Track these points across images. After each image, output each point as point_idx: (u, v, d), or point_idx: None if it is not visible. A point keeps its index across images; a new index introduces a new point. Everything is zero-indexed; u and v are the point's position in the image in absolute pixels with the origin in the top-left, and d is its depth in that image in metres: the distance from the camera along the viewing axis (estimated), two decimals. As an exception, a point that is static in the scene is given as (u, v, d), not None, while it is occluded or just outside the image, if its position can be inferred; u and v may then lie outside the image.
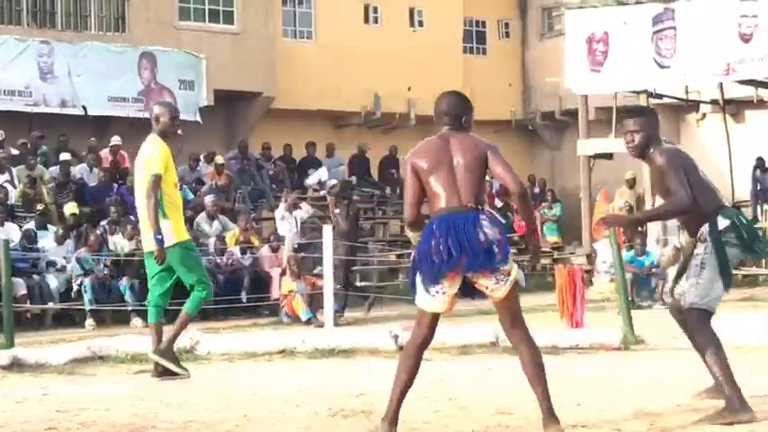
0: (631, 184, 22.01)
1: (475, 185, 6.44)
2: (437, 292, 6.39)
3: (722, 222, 7.18)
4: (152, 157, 9.60)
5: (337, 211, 17.37)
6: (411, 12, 28.66)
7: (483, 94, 28.94)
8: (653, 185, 7.56)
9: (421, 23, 28.77)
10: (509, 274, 6.36)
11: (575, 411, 7.43)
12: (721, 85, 23.23)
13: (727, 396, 7.07)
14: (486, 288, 6.41)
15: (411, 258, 6.54)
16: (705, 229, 7.19)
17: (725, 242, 7.17)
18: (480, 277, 6.35)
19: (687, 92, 24.59)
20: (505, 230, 6.47)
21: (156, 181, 9.50)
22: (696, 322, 7.27)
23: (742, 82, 22.17)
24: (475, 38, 30.42)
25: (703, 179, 7.34)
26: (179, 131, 10.06)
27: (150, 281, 9.95)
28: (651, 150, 7.29)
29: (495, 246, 6.29)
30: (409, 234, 6.67)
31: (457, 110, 6.68)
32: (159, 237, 9.48)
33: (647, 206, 21.29)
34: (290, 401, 8.18)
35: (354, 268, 19.03)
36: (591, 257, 21.42)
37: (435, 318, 6.55)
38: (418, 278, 6.42)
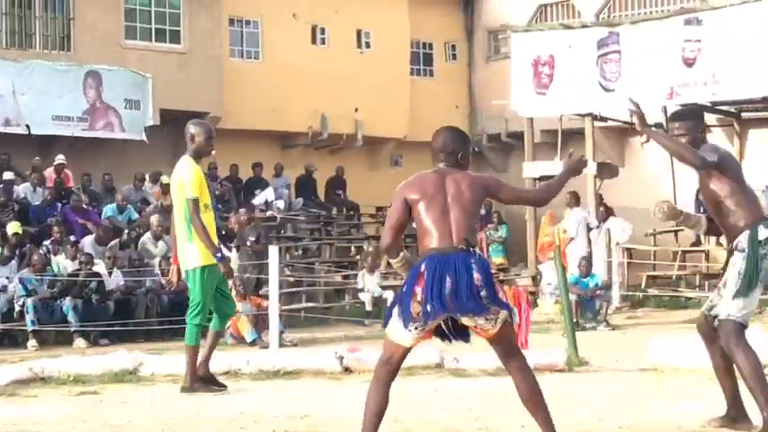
0: (572, 203, 22.05)
1: (468, 225, 6.35)
2: (415, 328, 6.26)
3: (763, 233, 7.14)
4: (184, 180, 9.74)
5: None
6: (358, 33, 28.72)
7: (430, 116, 28.99)
8: (699, 190, 7.44)
9: (368, 45, 28.83)
10: (499, 314, 6.31)
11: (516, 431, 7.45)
12: (665, 109, 23.40)
13: (764, 417, 7.00)
14: (476, 327, 6.35)
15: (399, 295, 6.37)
16: (744, 237, 7.15)
17: (763, 254, 7.11)
18: (468, 318, 6.29)
19: (632, 115, 24.78)
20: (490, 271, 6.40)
21: (195, 204, 9.68)
22: (734, 335, 7.14)
23: (685, 106, 22.38)
24: (422, 60, 30.54)
25: (749, 187, 7.35)
26: (213, 152, 10.01)
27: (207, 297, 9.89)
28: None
29: (484, 290, 6.22)
30: (390, 261, 6.60)
31: (453, 146, 6.62)
32: (219, 255, 9.69)
33: (592, 226, 21.41)
34: (234, 423, 8.14)
35: (298, 290, 19.00)
36: (536, 279, 21.51)
37: (407, 351, 6.42)
38: (397, 312, 6.28)
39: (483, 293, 6.18)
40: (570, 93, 21.71)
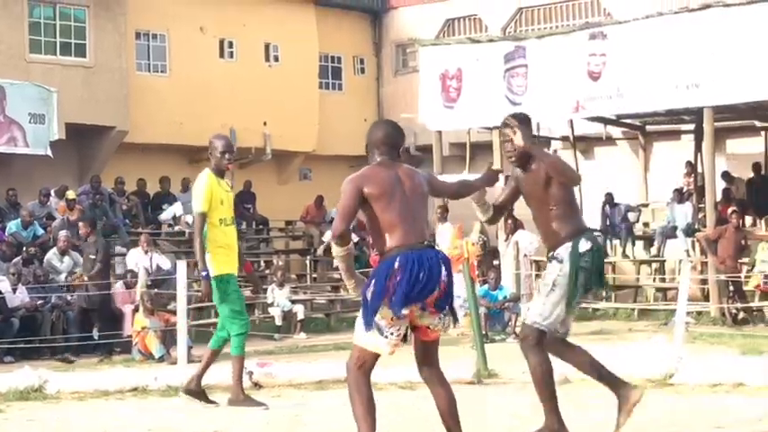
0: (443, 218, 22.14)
1: (425, 220, 6.47)
2: (391, 334, 6.28)
3: (584, 245, 7.25)
4: (195, 194, 9.71)
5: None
6: (267, 47, 28.66)
7: (338, 130, 29.17)
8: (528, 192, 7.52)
9: (276, 58, 28.78)
10: (447, 315, 6.41)
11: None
12: (571, 122, 23.70)
13: (546, 423, 7.30)
14: (429, 327, 6.40)
15: (366, 294, 6.28)
16: (564, 249, 7.24)
17: (581, 267, 7.23)
18: (428, 316, 6.32)
19: (539, 128, 25.07)
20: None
21: (200, 219, 9.62)
22: (532, 339, 7.32)
23: (591, 119, 22.67)
24: (330, 73, 30.57)
25: (575, 199, 7.50)
26: (230, 166, 9.85)
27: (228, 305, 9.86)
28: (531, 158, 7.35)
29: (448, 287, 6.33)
30: (335, 249, 6.44)
31: (396, 139, 6.62)
32: (204, 273, 9.55)
33: (500, 240, 21.58)
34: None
35: (207, 305, 18.73)
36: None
37: (377, 359, 6.44)
38: (372, 317, 6.24)
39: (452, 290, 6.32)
40: (478, 106, 21.83)
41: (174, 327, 14.91)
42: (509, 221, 21.89)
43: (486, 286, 18.26)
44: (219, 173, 9.81)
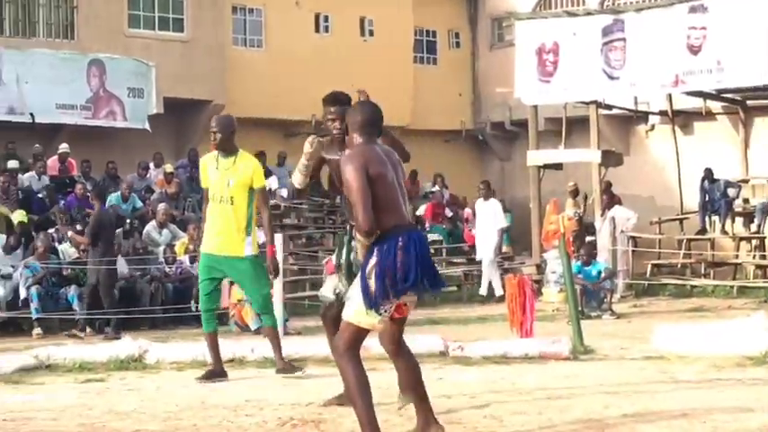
0: (575, 193, 22.08)
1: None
2: (385, 311, 6.29)
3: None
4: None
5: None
6: (362, 21, 28.68)
7: (433, 104, 29.12)
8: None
9: (371, 33, 28.79)
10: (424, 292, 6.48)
11: (520, 420, 7.44)
12: (670, 97, 23.41)
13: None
14: (407, 305, 6.44)
15: (368, 272, 6.25)
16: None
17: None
18: (410, 294, 6.37)
19: (636, 103, 24.78)
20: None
21: (204, 195, 10.15)
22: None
23: (690, 93, 22.34)
24: (425, 47, 30.50)
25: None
26: (213, 143, 10.10)
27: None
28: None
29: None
30: (364, 242, 6.32)
31: (380, 120, 6.65)
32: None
33: (596, 215, 21.41)
34: (240, 411, 8.14)
35: (302, 278, 18.86)
36: (540, 267, 21.49)
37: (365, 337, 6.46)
38: (369, 296, 6.21)
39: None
40: (575, 80, 21.63)
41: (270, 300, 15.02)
42: (604, 196, 21.70)
43: (578, 262, 18.10)
44: (218, 150, 10.07)
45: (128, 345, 11.67)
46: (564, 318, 14.96)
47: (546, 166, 22.96)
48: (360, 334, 6.35)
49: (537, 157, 22.95)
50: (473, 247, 22.82)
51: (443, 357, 11.21)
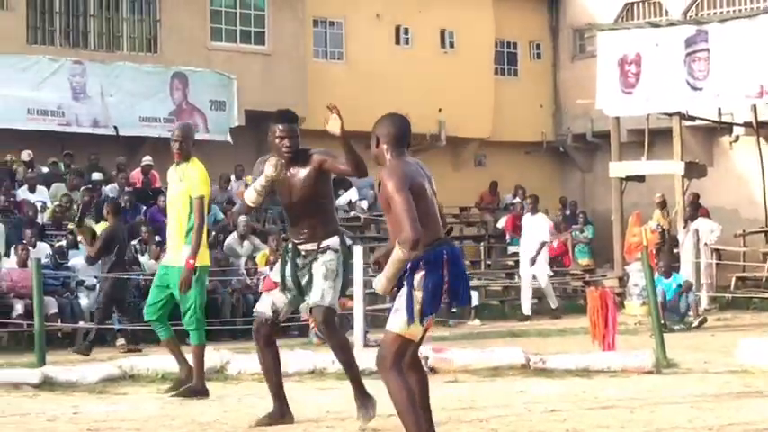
0: (662, 205, 21.90)
1: None
2: (423, 323, 6.29)
3: (347, 240, 8.03)
4: None
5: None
6: (442, 33, 28.65)
7: (514, 116, 29.00)
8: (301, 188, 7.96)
9: (452, 45, 28.76)
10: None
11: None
12: (755, 108, 23.09)
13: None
14: (433, 317, 6.41)
15: (415, 284, 6.21)
16: (336, 240, 7.79)
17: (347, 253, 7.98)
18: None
19: (720, 114, 24.46)
20: None
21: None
22: (331, 320, 7.74)
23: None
24: (506, 59, 30.37)
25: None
26: (177, 153, 9.83)
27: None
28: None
29: None
30: (404, 254, 6.14)
31: (410, 133, 6.67)
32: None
33: (679, 228, 21.18)
34: (321, 422, 8.14)
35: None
36: (623, 280, 21.29)
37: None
38: (422, 306, 6.20)
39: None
40: (657, 92, 21.45)
41: (351, 311, 15.07)
42: (688, 208, 21.46)
43: (658, 275, 17.87)
44: (181, 160, 9.83)
45: (210, 356, 11.72)
46: (647, 331, 14.80)
47: (628, 178, 22.77)
48: (406, 346, 6.34)
49: (619, 168, 22.76)
50: (553, 259, 22.66)
51: (524, 370, 11.14)
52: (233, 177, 22.95)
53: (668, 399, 9.10)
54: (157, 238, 18.44)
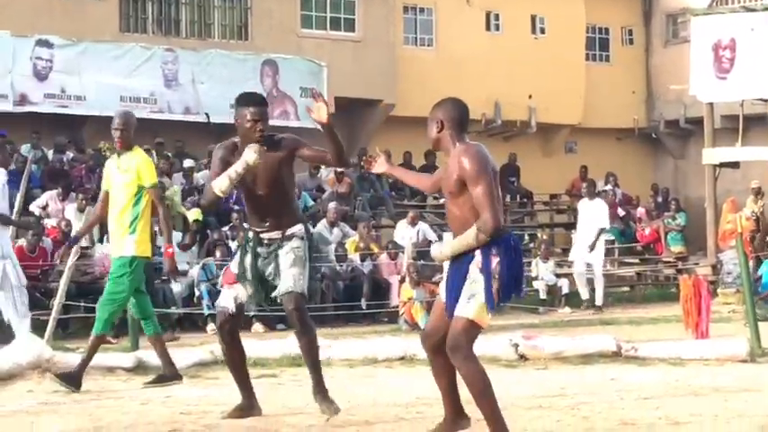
0: (757, 192, 21.55)
1: None
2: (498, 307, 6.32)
3: (309, 228, 7.82)
4: None
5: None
6: (533, 19, 28.47)
7: (605, 102, 28.73)
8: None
9: (543, 30, 28.56)
10: None
11: (696, 422, 7.26)
12: None
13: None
14: None
15: (490, 272, 6.18)
16: (301, 228, 7.55)
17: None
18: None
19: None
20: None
21: (102, 197, 9.93)
22: (303, 307, 7.49)
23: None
24: (598, 45, 30.10)
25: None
26: (119, 141, 9.81)
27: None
28: None
29: None
30: (483, 240, 6.16)
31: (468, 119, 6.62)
32: None
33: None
34: (411, 408, 8.14)
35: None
36: (716, 268, 21.01)
37: None
38: (499, 292, 6.22)
39: None
40: (752, 77, 21.11)
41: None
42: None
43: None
44: (122, 149, 9.72)
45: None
46: (740, 319, 14.58)
47: (722, 165, 22.45)
48: (478, 333, 6.34)
49: (713, 155, 22.45)
50: (646, 247, 22.42)
51: (616, 358, 11.05)
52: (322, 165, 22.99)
53: (763, 388, 8.97)
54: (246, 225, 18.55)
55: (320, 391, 7.60)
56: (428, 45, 27.06)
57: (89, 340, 9.62)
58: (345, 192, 21.55)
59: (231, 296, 7.60)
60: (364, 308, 17.77)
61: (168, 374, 9.66)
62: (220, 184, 7.45)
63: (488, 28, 27.84)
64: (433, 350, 6.60)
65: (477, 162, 6.21)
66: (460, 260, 6.29)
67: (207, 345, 12.02)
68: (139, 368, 10.48)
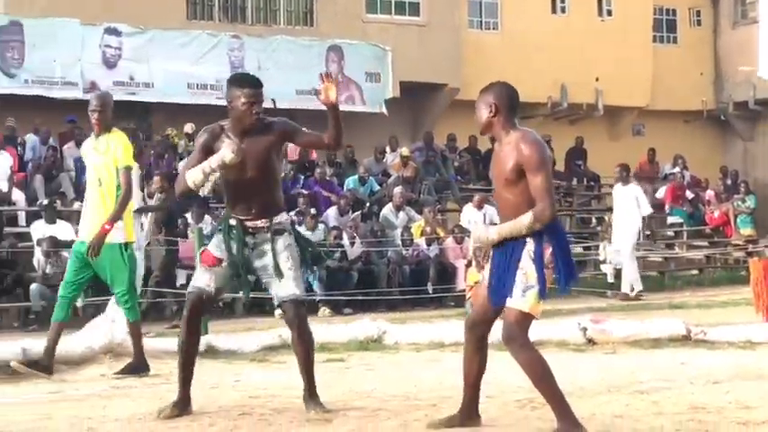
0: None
1: None
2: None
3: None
4: None
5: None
6: (599, 1, 28.27)
7: (673, 84, 28.48)
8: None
9: (609, 12, 28.34)
10: None
11: (767, 405, 7.21)
12: None
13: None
14: None
15: (542, 261, 6.14)
16: (286, 218, 7.27)
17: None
18: None
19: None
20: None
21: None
22: (305, 315, 7.30)
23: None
24: (665, 26, 29.83)
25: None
26: (96, 123, 9.43)
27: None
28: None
29: None
30: (535, 227, 6.09)
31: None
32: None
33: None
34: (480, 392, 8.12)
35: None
36: (786, 250, 20.79)
37: None
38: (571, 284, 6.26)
39: None
40: (823, 57, 20.84)
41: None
42: None
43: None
44: (100, 131, 9.44)
45: (367, 326, 11.83)
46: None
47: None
48: (531, 323, 6.30)
49: (783, 137, 22.19)
50: (715, 229, 22.20)
51: (685, 341, 10.96)
52: (388, 149, 23.02)
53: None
54: (313, 211, 18.63)
55: (312, 397, 7.38)
56: (493, 29, 26.97)
57: (128, 330, 9.62)
58: (411, 176, 21.54)
59: (206, 278, 7.27)
60: (431, 292, 17.78)
61: (137, 364, 9.50)
62: (194, 177, 7.06)
63: (554, 11, 27.69)
64: (477, 337, 6.61)
65: (538, 150, 6.12)
66: (506, 246, 6.25)
67: (274, 329, 12.08)
68: (208, 352, 10.55)
